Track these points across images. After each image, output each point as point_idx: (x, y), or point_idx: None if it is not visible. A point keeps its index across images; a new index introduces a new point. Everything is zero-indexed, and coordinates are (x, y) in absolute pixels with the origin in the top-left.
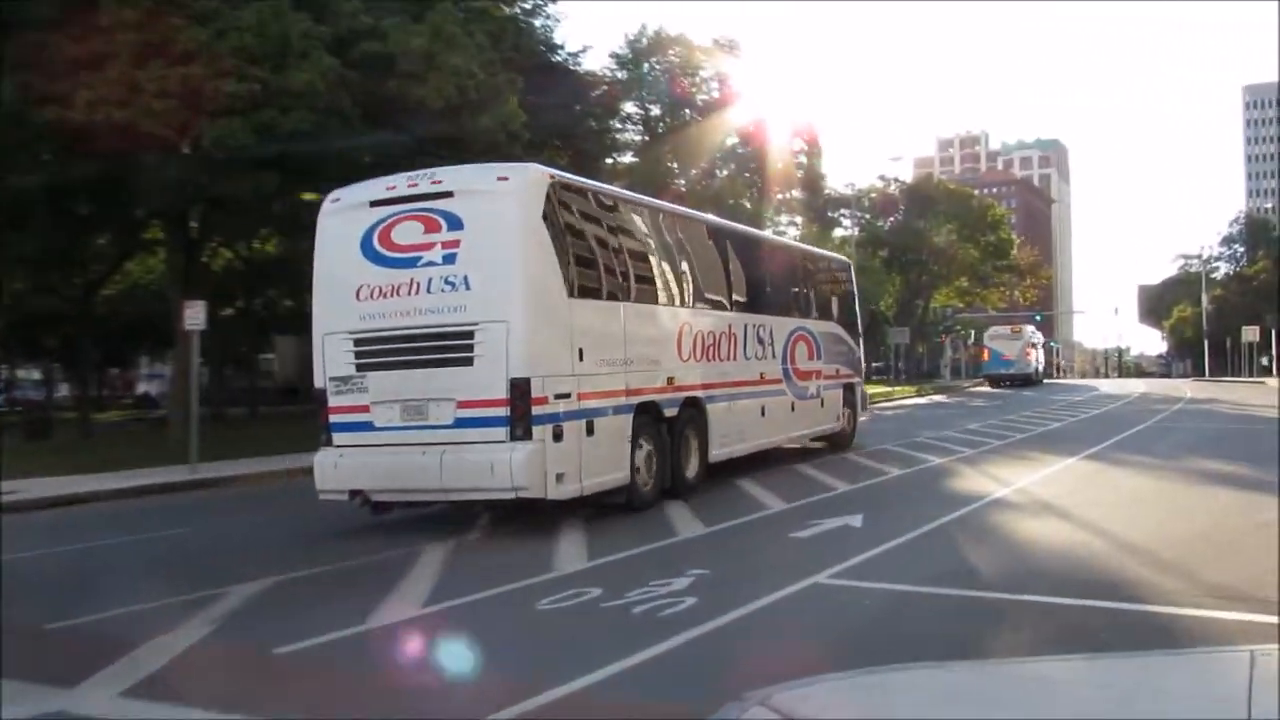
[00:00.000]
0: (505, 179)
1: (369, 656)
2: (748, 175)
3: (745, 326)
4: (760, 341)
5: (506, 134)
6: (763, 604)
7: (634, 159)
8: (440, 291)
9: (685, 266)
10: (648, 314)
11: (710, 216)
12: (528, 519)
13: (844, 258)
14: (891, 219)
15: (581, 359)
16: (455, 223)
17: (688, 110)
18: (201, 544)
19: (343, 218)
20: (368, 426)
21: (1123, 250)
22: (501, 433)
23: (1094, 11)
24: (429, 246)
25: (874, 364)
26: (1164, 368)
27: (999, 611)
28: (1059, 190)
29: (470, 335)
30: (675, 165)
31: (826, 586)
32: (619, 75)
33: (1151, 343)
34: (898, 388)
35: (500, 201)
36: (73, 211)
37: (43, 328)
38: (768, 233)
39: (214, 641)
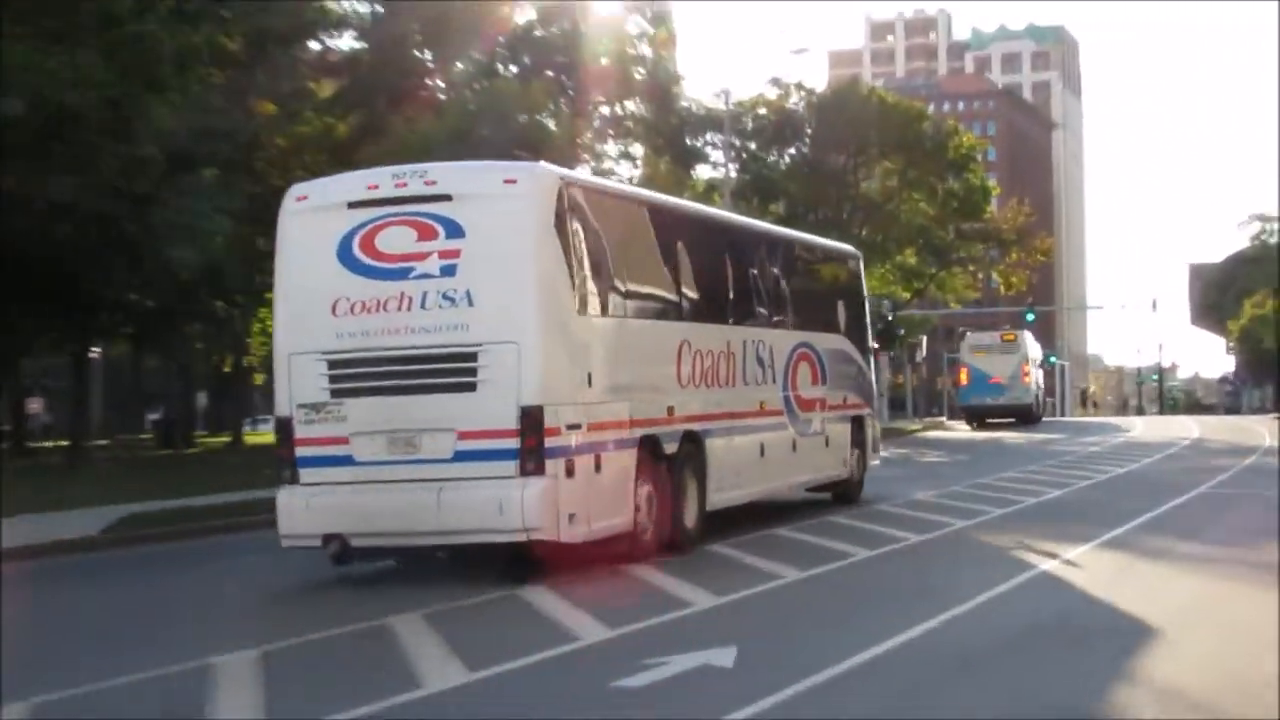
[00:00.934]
0: (513, 181)
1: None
2: (552, 74)
3: (743, 343)
4: (759, 362)
5: None
6: None
7: (359, 42)
8: (438, 307)
9: (689, 272)
10: (651, 331)
11: (710, 209)
12: (489, 573)
13: (850, 248)
14: (791, 151)
15: (590, 385)
16: (455, 230)
17: None
18: (131, 608)
19: (312, 219)
20: (346, 461)
21: (1164, 208)
22: (510, 467)
23: None
24: (423, 256)
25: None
26: (1230, 397)
27: None
28: (1064, 109)
29: (473, 358)
30: (427, 54)
31: None
32: None
33: (1211, 356)
34: None
35: (509, 207)
36: None
37: None
38: (759, 222)
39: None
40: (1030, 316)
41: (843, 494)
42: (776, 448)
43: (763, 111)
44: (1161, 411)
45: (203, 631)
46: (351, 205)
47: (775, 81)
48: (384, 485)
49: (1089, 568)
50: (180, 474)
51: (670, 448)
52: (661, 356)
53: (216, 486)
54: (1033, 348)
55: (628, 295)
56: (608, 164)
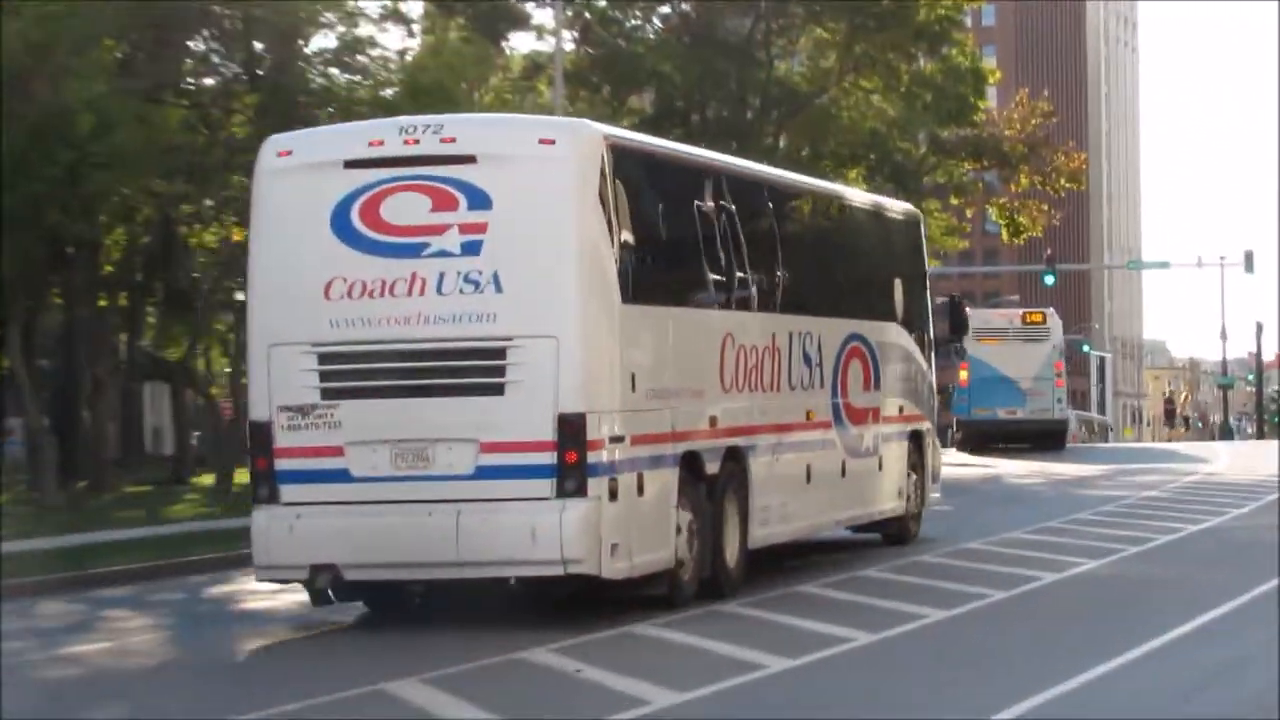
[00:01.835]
0: (551, 141)
1: None
2: None
3: (789, 336)
4: (806, 360)
5: None
6: None
7: None
8: (458, 292)
9: (738, 247)
10: (694, 323)
11: (758, 165)
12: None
13: (910, 207)
14: (664, 10)
15: (634, 388)
16: (479, 199)
17: None
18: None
19: (299, 180)
20: (340, 476)
21: (1261, 111)
22: (545, 486)
23: None
24: (440, 230)
25: None
26: None
27: None
28: None
29: (501, 354)
30: None
31: None
32: None
33: None
34: None
35: (545, 172)
36: None
37: None
38: (806, 178)
39: None
40: (1050, 278)
41: (896, 535)
42: (824, 471)
43: None
44: (1261, 432)
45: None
46: (349, 165)
47: None
48: (388, 506)
49: None
50: None
51: (711, 467)
52: (703, 353)
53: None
54: (1057, 334)
55: (672, 278)
56: (365, 28)
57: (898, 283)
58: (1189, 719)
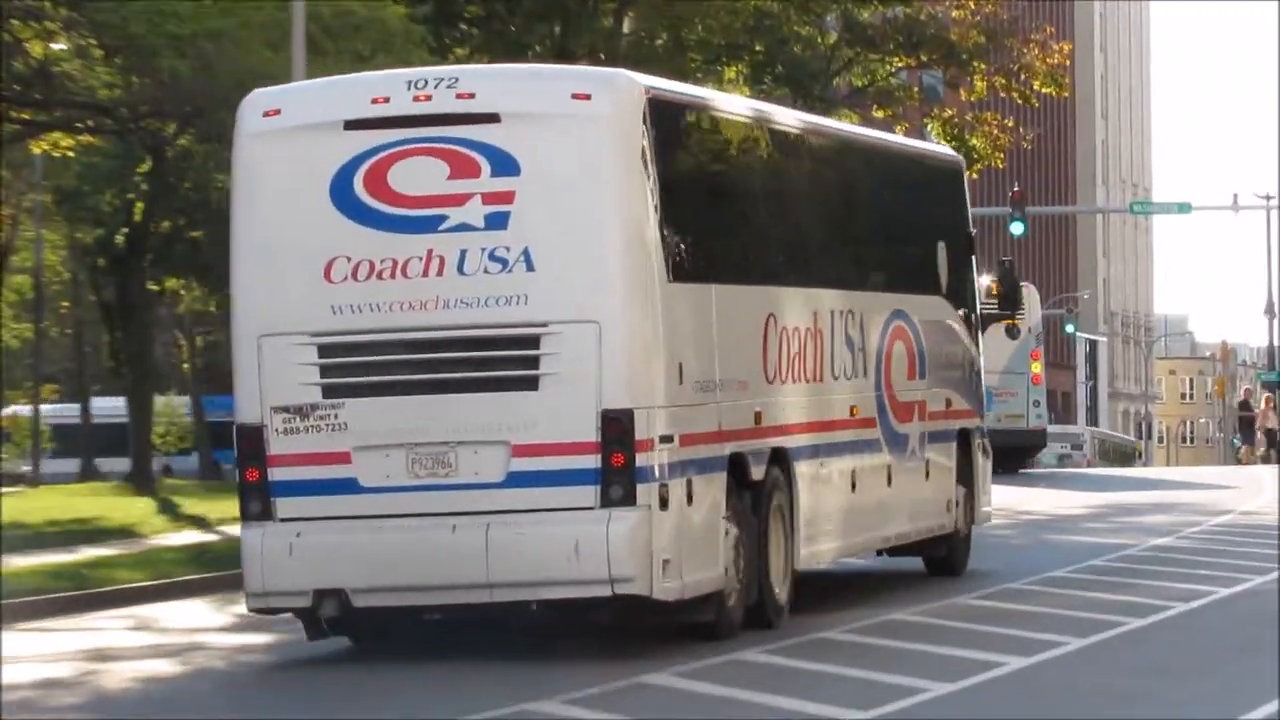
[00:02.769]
0: (586, 96)
1: None
2: None
3: (831, 315)
4: (849, 343)
5: None
6: None
7: None
8: (483, 272)
9: (783, 212)
10: (738, 303)
11: (812, 117)
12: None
13: (951, 153)
14: None
15: (681, 380)
16: (505, 164)
17: None
18: None
19: (290, 144)
20: (347, 486)
21: None
22: (588, 494)
23: None
24: (461, 200)
25: None
26: None
27: None
28: None
29: (535, 343)
30: None
31: None
32: None
33: None
34: None
35: (582, 133)
36: None
37: None
38: (844, 124)
39: None
40: (1018, 227)
41: (944, 560)
42: (870, 479)
43: None
44: (1269, 453)
45: None
46: (350, 126)
47: None
48: (403, 520)
49: None
50: None
51: (757, 471)
52: (748, 338)
53: None
54: (1034, 308)
55: (717, 251)
56: None
57: (941, 247)
58: None
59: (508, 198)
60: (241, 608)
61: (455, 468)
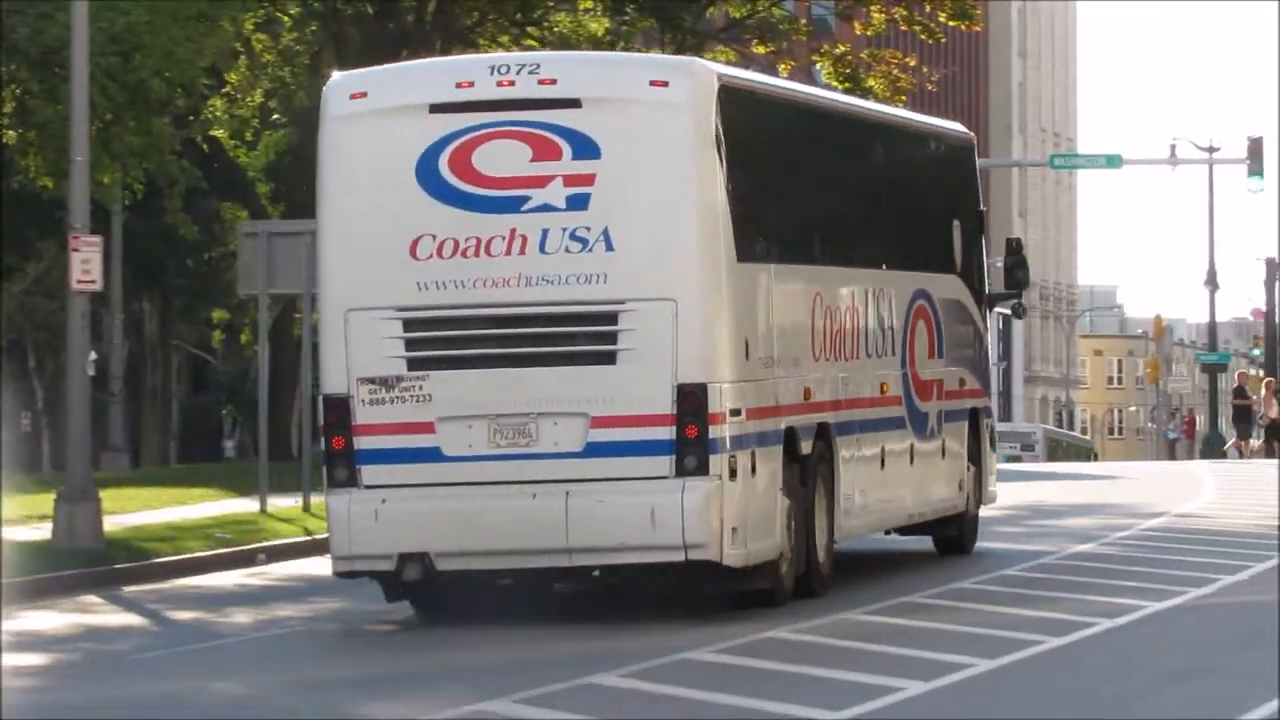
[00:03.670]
0: (664, 84)
1: None
2: None
3: (865, 295)
4: (880, 323)
5: None
6: None
7: None
8: (564, 251)
9: (830, 195)
10: (793, 282)
11: (865, 103)
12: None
13: (961, 129)
14: None
15: (747, 356)
16: (586, 147)
17: None
18: None
19: (377, 126)
20: (431, 455)
21: None
22: (664, 464)
23: None
24: (543, 181)
25: None
26: None
27: None
28: None
29: (613, 319)
30: None
31: None
32: None
33: None
34: None
35: (660, 118)
36: None
37: None
38: (870, 104)
39: None
40: None
41: (954, 539)
42: (896, 456)
43: None
44: (1270, 447)
45: None
46: (435, 109)
47: None
48: (486, 488)
49: None
50: None
51: (806, 445)
52: (798, 316)
53: None
54: None
55: (774, 232)
56: None
57: (956, 226)
58: None
59: (588, 180)
60: None
61: (536, 438)
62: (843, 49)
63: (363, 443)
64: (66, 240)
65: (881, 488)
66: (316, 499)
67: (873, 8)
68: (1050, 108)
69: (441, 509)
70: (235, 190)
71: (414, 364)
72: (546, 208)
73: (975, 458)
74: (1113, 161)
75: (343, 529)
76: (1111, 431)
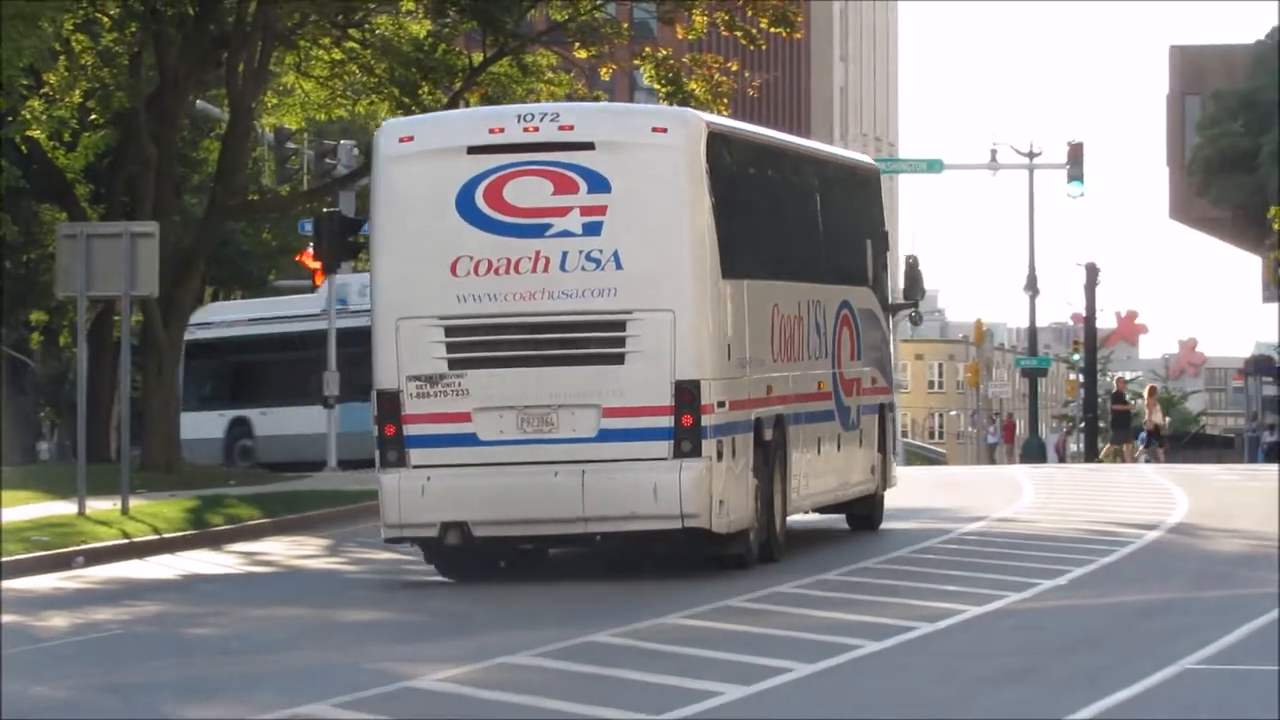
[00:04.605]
0: (664, 130)
1: None
2: None
3: (808, 305)
4: (817, 329)
5: None
6: None
7: None
8: (580, 269)
9: (783, 219)
10: (758, 295)
11: (810, 142)
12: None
13: (870, 161)
14: None
15: (729, 357)
16: (599, 183)
17: None
18: None
19: (424, 165)
20: (468, 440)
21: None
22: (663, 447)
23: None
24: (562, 212)
25: None
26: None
27: None
28: None
29: (622, 326)
30: None
31: None
32: None
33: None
34: None
35: (660, 159)
36: None
37: None
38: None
39: None
40: None
41: (865, 517)
42: (829, 445)
43: None
44: (1090, 454)
45: None
46: (472, 150)
47: None
48: (514, 468)
49: None
50: None
51: (768, 434)
52: (762, 324)
53: None
54: None
55: (747, 252)
56: None
57: (869, 244)
58: None
59: (601, 210)
60: None
61: (556, 426)
62: (665, 53)
63: (411, 430)
64: None
65: (819, 471)
66: (136, 502)
67: (694, 12)
68: (872, 112)
69: (477, 485)
70: (54, 192)
71: (454, 364)
72: (566, 233)
73: (882, 447)
74: (934, 166)
75: (394, 502)
76: (932, 436)
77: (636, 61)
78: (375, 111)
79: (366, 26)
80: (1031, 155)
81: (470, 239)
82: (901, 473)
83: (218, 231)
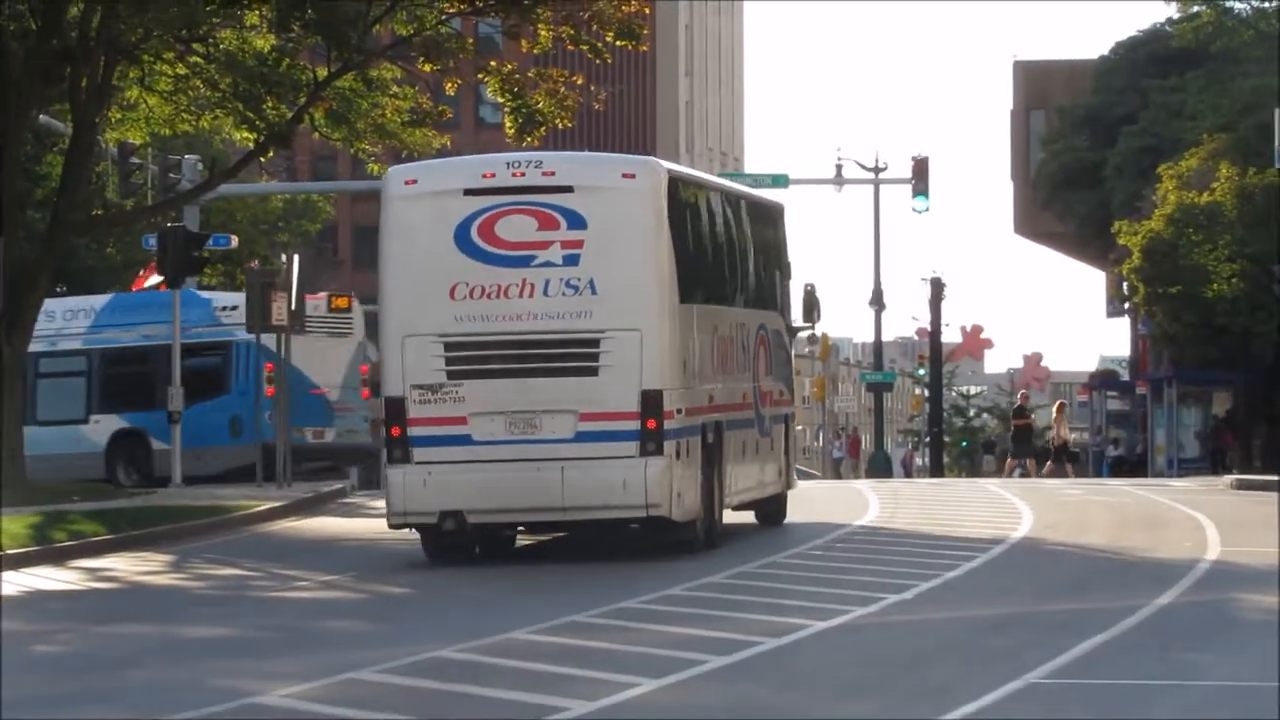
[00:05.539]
0: (632, 175)
1: None
2: None
3: (737, 326)
4: (743, 348)
5: None
6: None
7: None
8: (561, 295)
9: (721, 251)
10: (702, 317)
11: (738, 185)
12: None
13: (775, 200)
14: None
15: (684, 370)
16: (577, 221)
17: None
18: None
19: (426, 205)
20: (464, 440)
21: None
22: (631, 447)
23: None
24: (545, 245)
25: None
26: (1130, 443)
27: None
28: None
29: (596, 343)
30: None
31: None
32: None
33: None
34: None
35: (629, 200)
36: None
37: None
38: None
39: None
40: None
41: (773, 514)
42: (750, 449)
43: None
44: (935, 467)
45: None
46: (468, 192)
47: None
48: (504, 464)
49: None
50: None
51: (710, 438)
52: (707, 342)
53: None
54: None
55: (695, 280)
56: None
57: (777, 274)
58: None
59: (579, 244)
60: None
61: (540, 428)
62: (510, 67)
63: (414, 431)
64: None
65: (744, 473)
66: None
67: (540, 26)
68: (717, 127)
69: (472, 479)
70: None
71: (452, 375)
72: (548, 264)
73: (787, 452)
74: (779, 181)
75: (399, 493)
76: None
77: (481, 75)
78: (219, 126)
79: (211, 41)
80: (877, 170)
81: (466, 268)
82: None
83: (62, 247)
